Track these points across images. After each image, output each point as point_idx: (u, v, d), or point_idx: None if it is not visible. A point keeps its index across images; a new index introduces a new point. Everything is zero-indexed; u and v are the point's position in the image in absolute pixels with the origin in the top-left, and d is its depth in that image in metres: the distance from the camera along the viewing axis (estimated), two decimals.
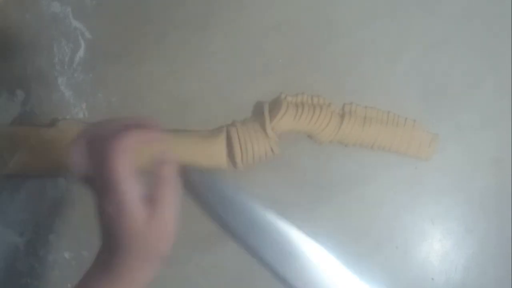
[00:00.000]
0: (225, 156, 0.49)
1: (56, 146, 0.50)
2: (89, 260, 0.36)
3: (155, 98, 0.53)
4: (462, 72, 0.52)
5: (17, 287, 0.50)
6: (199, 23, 0.53)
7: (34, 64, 0.53)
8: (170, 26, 0.54)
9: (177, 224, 0.34)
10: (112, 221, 0.33)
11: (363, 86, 0.52)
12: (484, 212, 0.50)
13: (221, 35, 0.53)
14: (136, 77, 0.53)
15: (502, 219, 0.50)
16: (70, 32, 0.54)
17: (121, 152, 0.32)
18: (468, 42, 0.52)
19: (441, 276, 0.49)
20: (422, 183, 0.50)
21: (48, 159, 0.50)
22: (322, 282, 0.48)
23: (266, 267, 0.48)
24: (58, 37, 0.54)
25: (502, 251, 0.49)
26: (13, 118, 0.52)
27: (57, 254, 0.51)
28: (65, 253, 0.51)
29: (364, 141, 0.50)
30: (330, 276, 0.48)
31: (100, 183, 0.33)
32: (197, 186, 0.46)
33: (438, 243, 0.50)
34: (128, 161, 0.32)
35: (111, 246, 0.33)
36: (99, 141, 0.33)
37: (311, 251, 0.48)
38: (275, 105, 0.49)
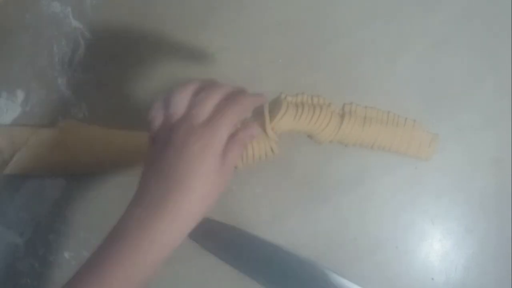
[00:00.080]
0: None
1: (56, 146, 0.50)
2: None
3: (155, 98, 0.53)
4: (462, 72, 0.52)
5: (17, 287, 0.50)
6: (199, 23, 0.53)
7: (34, 64, 0.53)
8: (170, 26, 0.54)
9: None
10: (185, 165, 0.35)
11: (363, 86, 0.52)
12: (484, 212, 0.50)
13: (221, 35, 0.53)
14: (136, 77, 0.53)
15: (502, 219, 0.50)
16: (70, 32, 0.54)
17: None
18: (468, 42, 0.52)
19: (441, 276, 0.49)
20: (422, 183, 0.50)
21: (48, 159, 0.50)
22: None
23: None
24: (58, 37, 0.54)
25: (502, 251, 0.49)
26: (13, 118, 0.52)
27: (57, 254, 0.51)
28: (65, 253, 0.51)
29: (364, 141, 0.50)
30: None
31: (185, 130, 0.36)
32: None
33: (438, 243, 0.50)
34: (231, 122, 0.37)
35: (171, 188, 0.35)
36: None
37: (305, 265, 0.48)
38: (275, 105, 0.49)
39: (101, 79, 0.53)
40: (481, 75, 0.52)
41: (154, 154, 0.37)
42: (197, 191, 0.35)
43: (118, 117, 0.53)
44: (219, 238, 0.50)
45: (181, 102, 0.37)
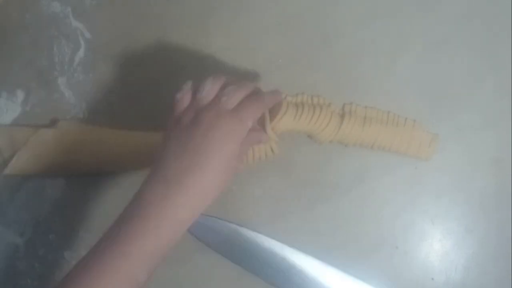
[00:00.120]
0: None
1: (56, 146, 0.50)
2: None
3: (155, 98, 0.53)
4: (462, 72, 0.52)
5: (17, 287, 0.50)
6: (199, 23, 0.53)
7: (34, 64, 0.53)
8: (170, 26, 0.54)
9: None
10: (210, 145, 0.37)
11: (363, 86, 0.52)
12: (484, 212, 0.50)
13: (221, 35, 0.53)
14: (136, 77, 0.53)
15: (502, 219, 0.50)
16: (70, 32, 0.54)
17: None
18: (468, 42, 0.52)
19: (441, 276, 0.49)
20: (422, 183, 0.50)
21: (48, 159, 0.50)
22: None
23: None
24: (58, 37, 0.54)
25: (502, 251, 0.49)
26: (13, 118, 0.52)
27: (57, 254, 0.51)
28: (65, 253, 0.51)
29: (364, 141, 0.50)
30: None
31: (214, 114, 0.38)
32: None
33: (438, 243, 0.50)
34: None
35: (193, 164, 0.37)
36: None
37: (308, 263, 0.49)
38: (275, 105, 0.49)
39: (101, 79, 0.53)
40: (481, 75, 0.52)
41: (177, 133, 0.39)
42: (216, 170, 0.37)
43: (118, 117, 0.53)
44: (222, 234, 0.50)
45: (212, 90, 0.40)
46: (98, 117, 0.53)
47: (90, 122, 0.52)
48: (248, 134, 0.41)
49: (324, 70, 0.52)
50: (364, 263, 0.49)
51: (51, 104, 0.53)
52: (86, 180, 0.51)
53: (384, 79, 0.52)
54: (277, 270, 0.48)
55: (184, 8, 0.54)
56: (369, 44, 0.52)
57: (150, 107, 0.52)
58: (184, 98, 0.40)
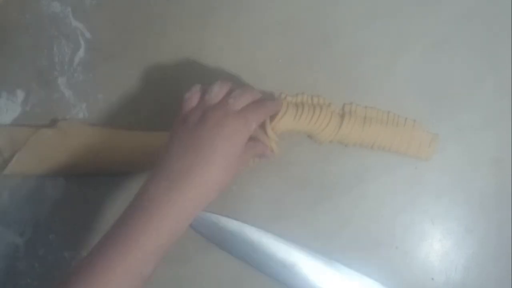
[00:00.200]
0: None
1: (56, 146, 0.50)
2: None
3: (155, 98, 0.53)
4: (462, 72, 0.52)
5: (17, 287, 0.50)
6: (199, 23, 0.53)
7: (34, 64, 0.53)
8: (170, 26, 0.54)
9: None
10: (215, 143, 0.39)
11: (363, 86, 0.52)
12: (484, 212, 0.50)
13: (221, 35, 0.53)
14: (136, 77, 0.53)
15: (502, 219, 0.50)
16: (70, 32, 0.54)
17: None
18: (468, 42, 0.52)
19: (441, 276, 0.49)
20: (422, 183, 0.50)
21: (48, 159, 0.50)
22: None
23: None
24: (58, 37, 0.54)
25: (502, 251, 0.49)
26: (13, 118, 0.52)
27: (57, 254, 0.51)
28: (65, 253, 0.51)
29: (364, 141, 0.50)
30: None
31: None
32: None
33: (438, 243, 0.50)
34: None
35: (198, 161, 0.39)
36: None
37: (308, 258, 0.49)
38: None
39: (101, 79, 0.53)
40: (481, 75, 0.52)
41: (183, 130, 0.40)
42: (219, 167, 0.39)
43: (118, 117, 0.53)
44: (226, 231, 0.50)
45: (220, 92, 0.42)
46: (98, 117, 0.53)
47: (90, 122, 0.52)
48: (254, 143, 0.44)
49: (324, 70, 0.52)
50: (364, 263, 0.49)
51: (51, 104, 0.53)
52: (86, 180, 0.51)
53: (384, 79, 0.52)
54: (281, 266, 0.48)
55: (184, 8, 0.54)
56: (369, 44, 0.52)
57: (150, 107, 0.53)
58: (192, 98, 0.42)
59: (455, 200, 0.50)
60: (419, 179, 0.50)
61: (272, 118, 0.47)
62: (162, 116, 0.50)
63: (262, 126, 0.46)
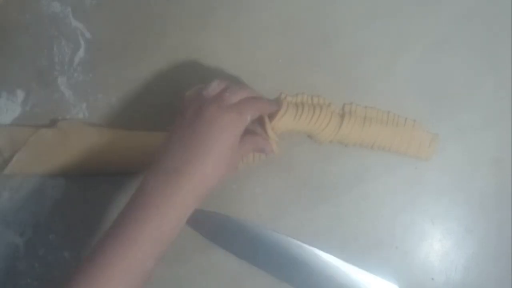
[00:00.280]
0: None
1: (56, 146, 0.50)
2: None
3: (155, 98, 0.53)
4: (462, 72, 0.52)
5: (17, 287, 0.50)
6: (199, 23, 0.53)
7: (34, 64, 0.53)
8: (170, 26, 0.54)
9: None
10: (211, 135, 0.40)
11: (363, 86, 0.52)
12: (484, 212, 0.50)
13: (221, 35, 0.53)
14: (136, 77, 0.53)
15: (502, 219, 0.50)
16: (70, 32, 0.54)
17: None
18: (468, 42, 0.52)
19: (441, 276, 0.49)
20: (422, 183, 0.50)
21: (48, 159, 0.50)
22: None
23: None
24: (58, 37, 0.54)
25: (502, 251, 0.49)
26: (13, 118, 0.52)
27: (57, 254, 0.51)
28: (65, 253, 0.51)
29: (364, 141, 0.50)
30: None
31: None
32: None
33: (438, 243, 0.50)
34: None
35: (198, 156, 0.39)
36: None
37: (310, 255, 0.49)
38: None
39: (101, 79, 0.53)
40: (481, 75, 0.52)
41: (181, 126, 0.41)
42: (215, 158, 0.40)
43: (118, 117, 0.53)
44: (227, 229, 0.50)
45: (216, 87, 0.43)
46: (98, 117, 0.53)
47: (90, 122, 0.52)
48: (253, 136, 0.44)
49: (324, 70, 0.52)
50: (364, 263, 0.49)
51: (51, 104, 0.53)
52: (86, 180, 0.51)
53: (384, 79, 0.52)
54: (283, 263, 0.49)
55: (184, 8, 0.54)
56: (369, 44, 0.52)
57: (150, 107, 0.52)
58: (190, 95, 0.44)
59: (455, 200, 0.50)
60: (419, 179, 0.50)
61: (272, 118, 0.47)
62: (162, 116, 0.50)
63: (262, 126, 0.46)
